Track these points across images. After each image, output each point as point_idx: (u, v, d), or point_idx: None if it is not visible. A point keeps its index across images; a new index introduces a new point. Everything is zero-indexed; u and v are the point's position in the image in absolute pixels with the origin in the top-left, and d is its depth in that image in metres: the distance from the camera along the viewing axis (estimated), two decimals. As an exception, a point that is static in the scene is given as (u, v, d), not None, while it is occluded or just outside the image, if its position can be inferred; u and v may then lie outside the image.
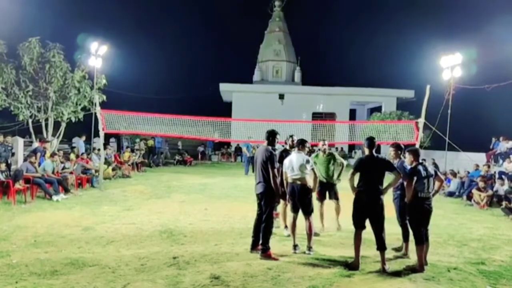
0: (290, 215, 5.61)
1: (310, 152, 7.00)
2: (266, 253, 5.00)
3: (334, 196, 6.63)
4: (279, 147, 6.30)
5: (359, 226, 4.80)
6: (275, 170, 5.05)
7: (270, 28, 33.29)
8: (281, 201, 5.80)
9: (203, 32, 53.39)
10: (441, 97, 13.80)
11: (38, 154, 9.97)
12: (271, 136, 5.28)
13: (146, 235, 6.10)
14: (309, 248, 5.27)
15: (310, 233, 5.30)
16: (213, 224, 7.02)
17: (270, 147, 5.20)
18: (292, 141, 6.24)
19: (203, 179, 14.06)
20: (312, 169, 5.38)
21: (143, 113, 11.90)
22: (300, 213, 5.38)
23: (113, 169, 13.50)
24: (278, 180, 5.11)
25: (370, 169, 4.78)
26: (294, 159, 5.35)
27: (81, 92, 13.26)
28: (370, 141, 4.87)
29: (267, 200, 5.11)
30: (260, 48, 33.44)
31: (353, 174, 4.87)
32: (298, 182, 5.28)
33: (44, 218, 7.01)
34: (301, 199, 5.30)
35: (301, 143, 5.47)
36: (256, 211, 5.32)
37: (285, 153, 6.15)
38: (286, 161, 5.44)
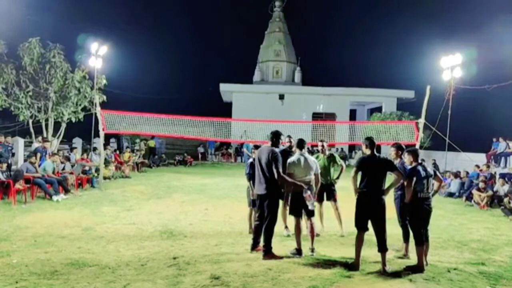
0: (293, 219, 5.36)
1: (311, 153, 6.96)
2: (269, 255, 4.99)
3: (333, 197, 6.55)
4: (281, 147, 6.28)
5: (361, 228, 4.79)
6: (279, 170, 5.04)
7: (270, 29, 33.29)
8: (281, 201, 5.78)
9: (204, 32, 53.43)
10: (441, 98, 13.80)
11: (39, 155, 9.98)
12: (275, 137, 5.24)
13: (146, 235, 6.10)
14: (312, 249, 5.24)
15: (312, 234, 5.28)
16: (213, 224, 7.03)
17: (274, 148, 5.19)
18: (290, 141, 6.22)
19: (204, 180, 14.06)
20: (315, 174, 5.39)
21: (143, 113, 11.91)
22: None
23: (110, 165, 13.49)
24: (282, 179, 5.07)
25: (372, 169, 4.76)
26: (314, 161, 5.40)
27: (81, 92, 13.28)
28: (371, 141, 4.87)
29: (269, 200, 5.09)
30: (260, 49, 33.42)
31: (355, 173, 4.85)
32: (311, 183, 5.30)
33: (44, 218, 7.00)
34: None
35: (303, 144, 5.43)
36: (256, 211, 5.30)
37: (284, 153, 6.14)
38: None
